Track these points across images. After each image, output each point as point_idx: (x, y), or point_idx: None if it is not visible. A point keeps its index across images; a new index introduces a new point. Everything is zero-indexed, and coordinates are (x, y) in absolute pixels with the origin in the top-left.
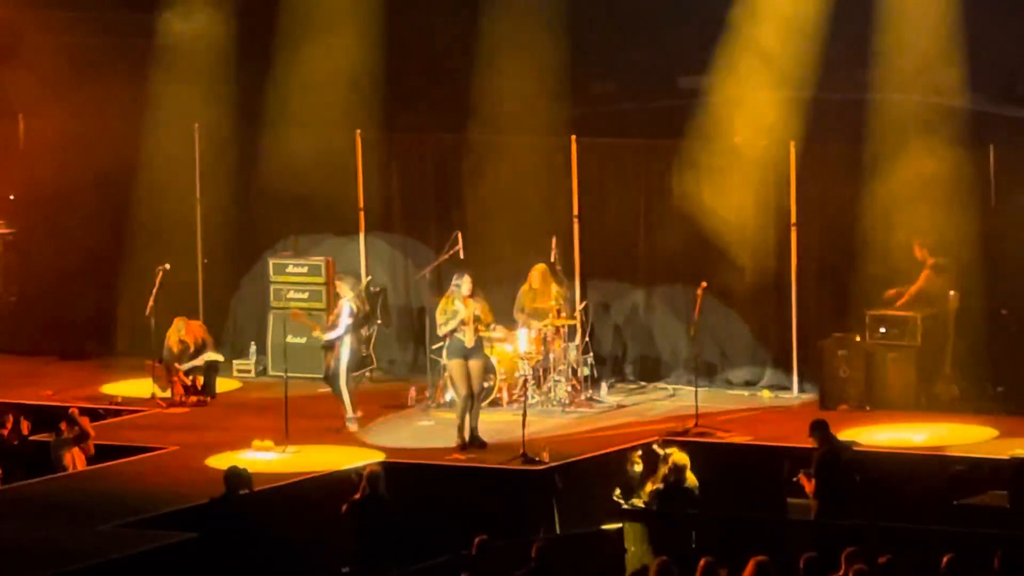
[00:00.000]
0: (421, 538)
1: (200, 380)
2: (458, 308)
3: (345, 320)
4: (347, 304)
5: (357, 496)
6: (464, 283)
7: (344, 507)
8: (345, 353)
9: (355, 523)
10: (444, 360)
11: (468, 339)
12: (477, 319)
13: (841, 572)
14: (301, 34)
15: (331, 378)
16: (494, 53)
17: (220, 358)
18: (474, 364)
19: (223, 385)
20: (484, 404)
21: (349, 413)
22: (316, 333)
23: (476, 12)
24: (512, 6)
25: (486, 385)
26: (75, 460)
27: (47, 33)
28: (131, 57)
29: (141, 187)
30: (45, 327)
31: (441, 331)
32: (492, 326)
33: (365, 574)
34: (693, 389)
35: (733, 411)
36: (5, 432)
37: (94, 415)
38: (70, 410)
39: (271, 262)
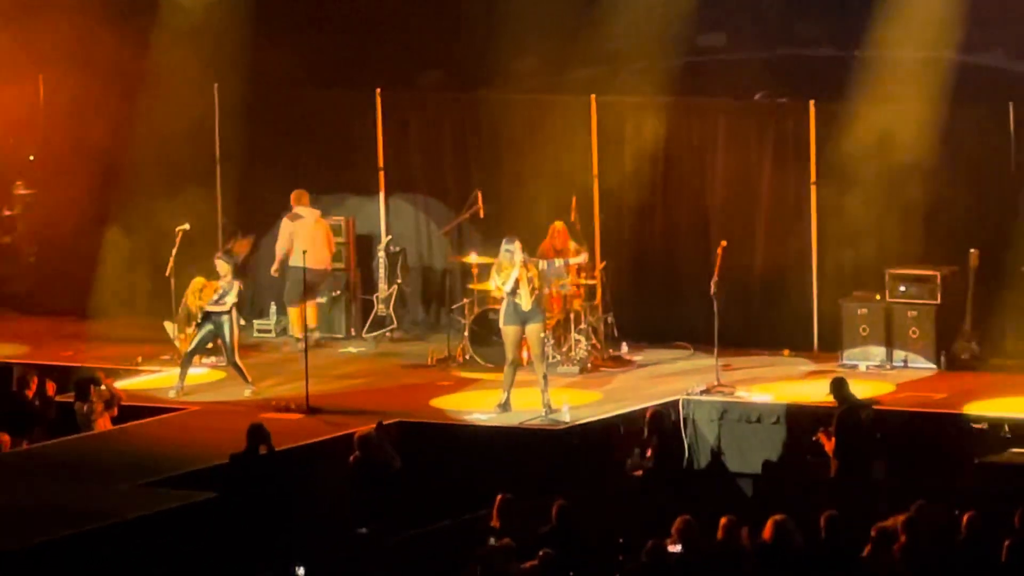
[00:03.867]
0: (441, 498)
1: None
2: (515, 270)
3: (232, 300)
4: (236, 286)
5: (351, 459)
6: (516, 249)
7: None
8: (228, 331)
9: (352, 485)
10: (501, 324)
11: (525, 302)
12: (531, 282)
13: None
14: None
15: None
16: (513, 11)
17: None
18: (531, 329)
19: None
20: (544, 370)
21: (247, 383)
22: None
23: None
24: None
25: (548, 351)
26: (104, 425)
27: None
28: (149, 14)
29: (160, 147)
30: (65, 287)
31: (502, 289)
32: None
33: (382, 534)
34: (713, 348)
35: (753, 369)
36: (30, 394)
37: (112, 375)
38: (97, 374)
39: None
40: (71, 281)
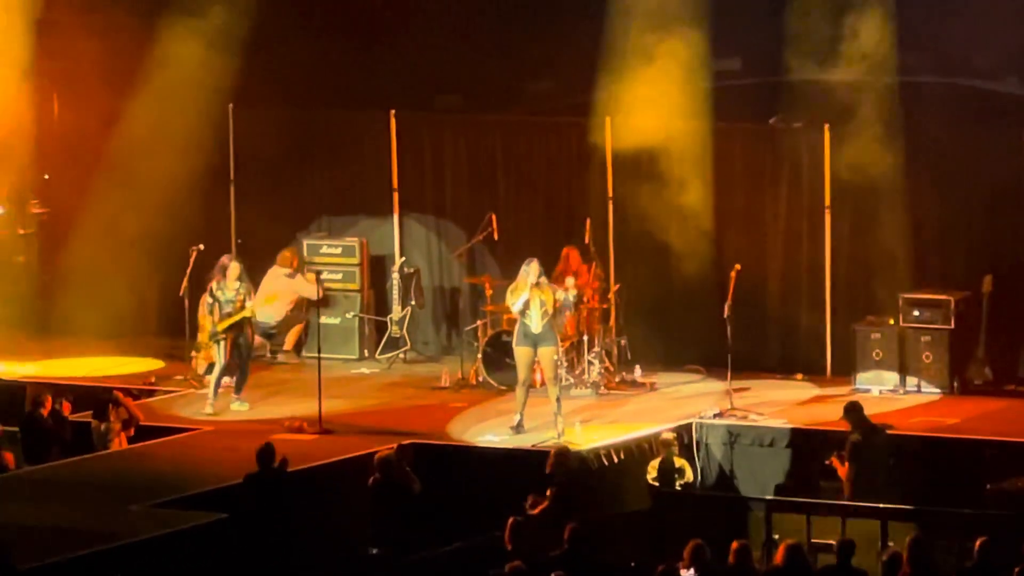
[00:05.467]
0: (454, 519)
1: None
2: (525, 293)
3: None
4: (250, 290)
5: (370, 481)
6: (532, 270)
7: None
8: (248, 334)
9: (372, 507)
10: (513, 344)
11: (535, 324)
12: (543, 305)
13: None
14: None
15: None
16: (528, 33)
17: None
18: (544, 352)
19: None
20: (558, 392)
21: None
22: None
23: None
24: None
25: (561, 372)
26: (121, 444)
27: (81, 13)
28: (165, 34)
29: (174, 166)
30: (80, 306)
31: (512, 310)
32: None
33: (393, 555)
34: (726, 371)
35: (766, 393)
36: (44, 412)
37: (128, 395)
38: (114, 392)
39: (305, 243)
40: (86, 300)
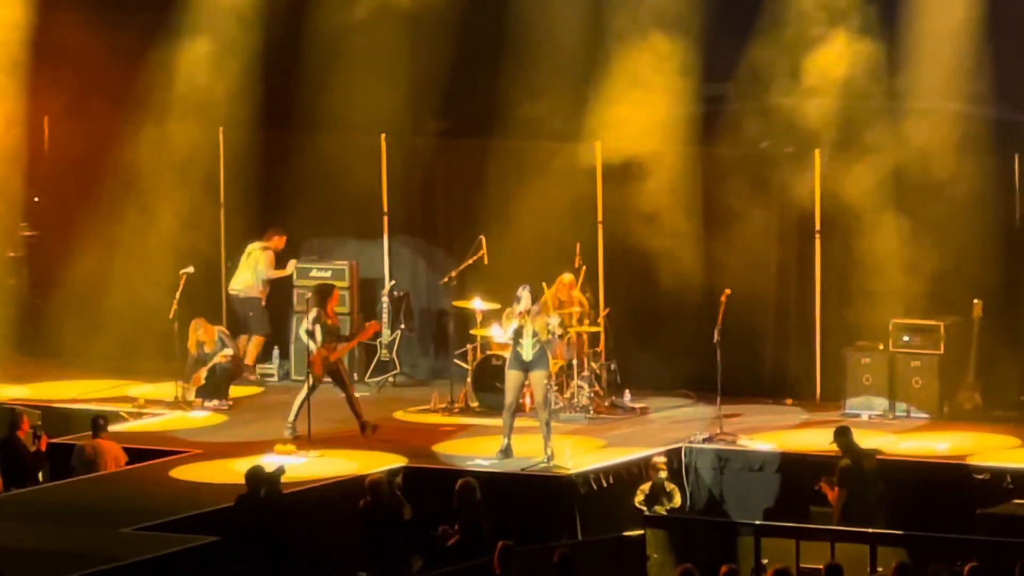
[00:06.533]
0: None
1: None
2: (515, 322)
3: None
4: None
5: (361, 504)
6: (523, 298)
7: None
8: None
9: (362, 530)
10: (505, 368)
11: (527, 352)
12: (536, 334)
13: None
14: (328, 41)
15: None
16: (519, 58)
17: (226, 357)
18: (535, 376)
19: (244, 391)
20: (547, 417)
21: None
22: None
23: (503, 19)
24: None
25: (551, 397)
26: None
27: (71, 37)
28: (156, 57)
29: (164, 190)
30: (70, 329)
31: (499, 339)
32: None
33: None
34: (716, 396)
35: (756, 418)
36: (22, 434)
37: (116, 418)
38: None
39: (295, 266)
40: (76, 323)
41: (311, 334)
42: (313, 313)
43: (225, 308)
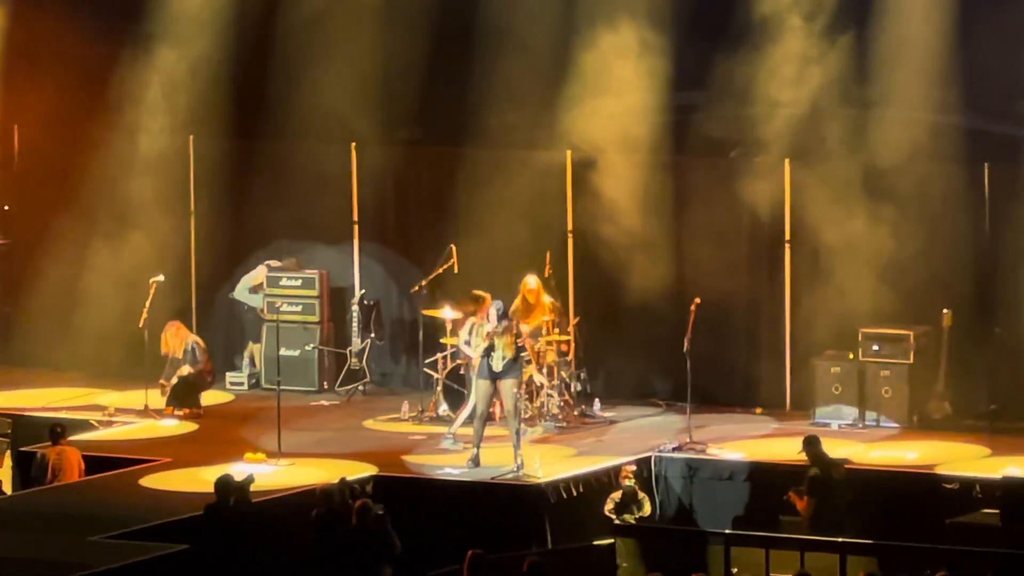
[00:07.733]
0: (414, 552)
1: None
2: (483, 343)
3: None
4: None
5: (314, 513)
6: (493, 316)
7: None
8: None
9: (314, 539)
10: (474, 377)
11: (496, 364)
12: (506, 348)
13: None
14: (298, 49)
15: None
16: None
17: (183, 373)
18: (505, 384)
19: (216, 397)
20: (518, 425)
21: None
22: None
23: (473, 29)
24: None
25: (520, 405)
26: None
27: (41, 45)
28: (127, 67)
29: (135, 198)
30: (41, 337)
31: (468, 354)
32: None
33: None
34: (686, 405)
35: (726, 427)
36: None
37: (87, 426)
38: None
39: (265, 274)
40: (47, 331)
41: (468, 343)
42: (469, 324)
43: (195, 317)
